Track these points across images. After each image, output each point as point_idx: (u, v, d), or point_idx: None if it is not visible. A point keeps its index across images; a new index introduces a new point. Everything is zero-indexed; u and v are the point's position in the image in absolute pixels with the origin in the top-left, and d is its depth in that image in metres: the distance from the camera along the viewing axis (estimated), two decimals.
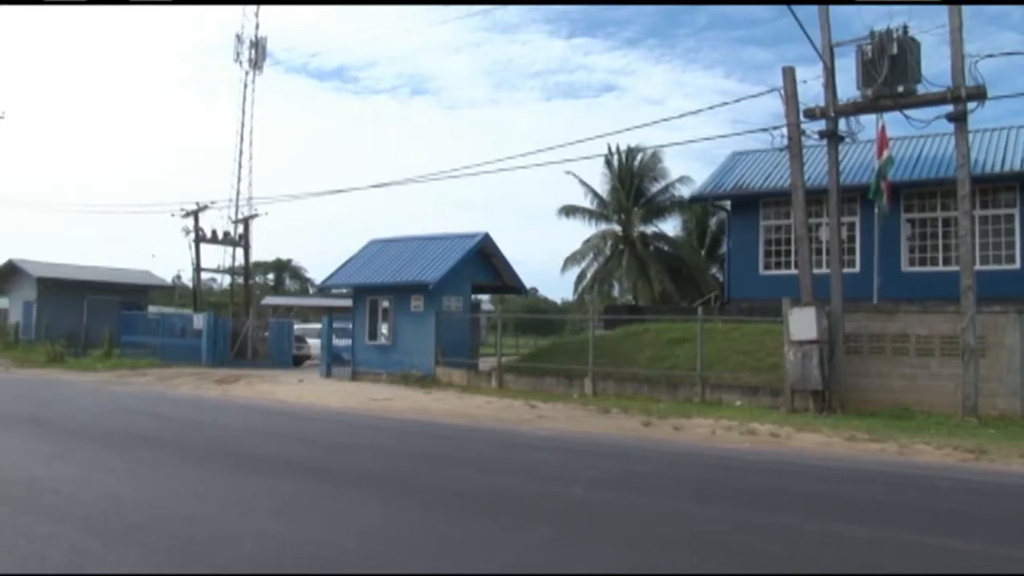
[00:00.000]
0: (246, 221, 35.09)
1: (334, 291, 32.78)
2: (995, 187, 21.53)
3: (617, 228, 41.14)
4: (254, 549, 6.23)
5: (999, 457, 11.55)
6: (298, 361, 33.37)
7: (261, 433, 14.13)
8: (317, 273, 76.16)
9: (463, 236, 26.14)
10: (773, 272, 23.92)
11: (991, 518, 7.92)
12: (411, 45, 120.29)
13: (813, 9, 17.33)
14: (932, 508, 8.38)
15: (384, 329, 25.78)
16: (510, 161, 32.36)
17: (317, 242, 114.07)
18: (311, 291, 72.25)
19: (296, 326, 36.63)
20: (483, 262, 26.55)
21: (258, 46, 35.91)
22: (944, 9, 15.89)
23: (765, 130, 18.42)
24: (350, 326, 27.22)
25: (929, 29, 16.65)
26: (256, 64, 36.02)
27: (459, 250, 25.20)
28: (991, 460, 11.40)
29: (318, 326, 31.51)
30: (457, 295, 25.30)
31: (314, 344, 32.51)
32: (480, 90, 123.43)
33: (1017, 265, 20.94)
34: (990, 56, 16.75)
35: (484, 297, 37.22)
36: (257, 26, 36.13)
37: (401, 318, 25.20)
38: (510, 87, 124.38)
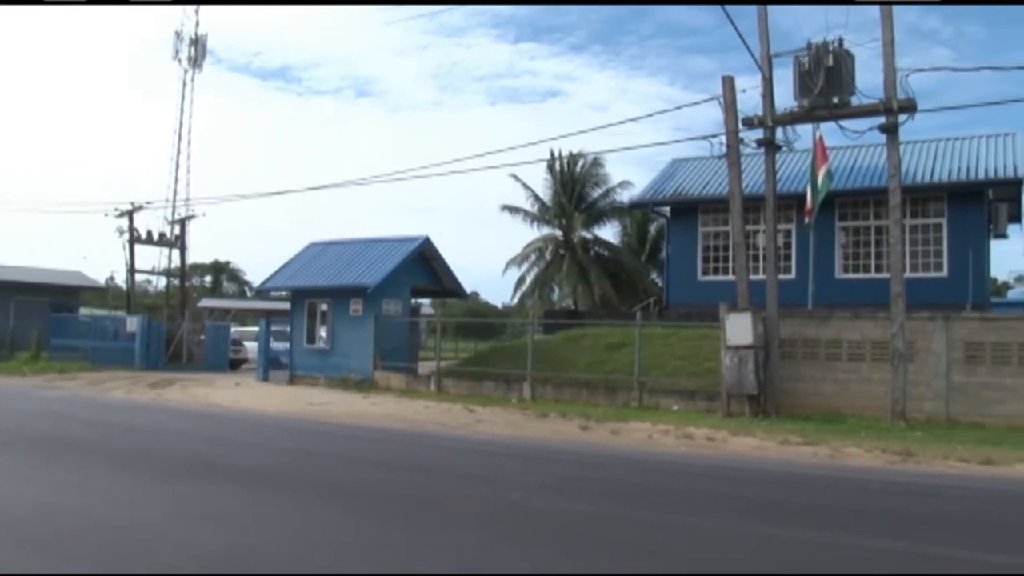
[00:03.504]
0: (183, 222, 34.50)
1: (273, 294, 32.37)
2: (925, 197, 22.09)
3: (558, 233, 41.29)
4: (180, 556, 6.08)
5: (924, 459, 11.84)
6: (235, 365, 32.87)
7: (194, 438, 13.84)
8: (256, 275, 74.87)
9: (403, 239, 26.00)
10: (711, 278, 24.23)
11: (919, 518, 8.11)
12: (355, 46, 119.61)
13: (754, 20, 17.60)
14: (863, 509, 8.53)
15: (323, 332, 25.53)
16: (453, 165, 32.25)
17: (256, 244, 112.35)
18: (249, 294, 71.23)
19: (233, 329, 36.10)
20: (423, 266, 26.42)
21: (198, 43, 35.33)
22: (879, 24, 16.26)
23: (704, 138, 18.71)
24: (288, 329, 26.91)
25: (864, 43, 17.04)
26: (196, 62, 35.47)
27: (399, 253, 25.06)
28: (917, 462, 11.67)
29: (256, 329, 31.08)
30: (397, 298, 25.15)
31: (252, 347, 32.07)
32: (425, 93, 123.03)
33: (945, 273, 21.50)
34: (920, 71, 17.31)
35: (425, 301, 37.12)
36: (197, 23, 35.47)
37: (340, 321, 24.97)
38: (455, 91, 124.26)
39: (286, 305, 29.20)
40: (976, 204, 21.99)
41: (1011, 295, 34.85)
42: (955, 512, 8.64)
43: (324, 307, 25.45)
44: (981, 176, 21.59)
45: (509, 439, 14.08)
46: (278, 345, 28.00)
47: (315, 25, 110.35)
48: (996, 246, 25.73)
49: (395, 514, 7.79)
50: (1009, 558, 6.52)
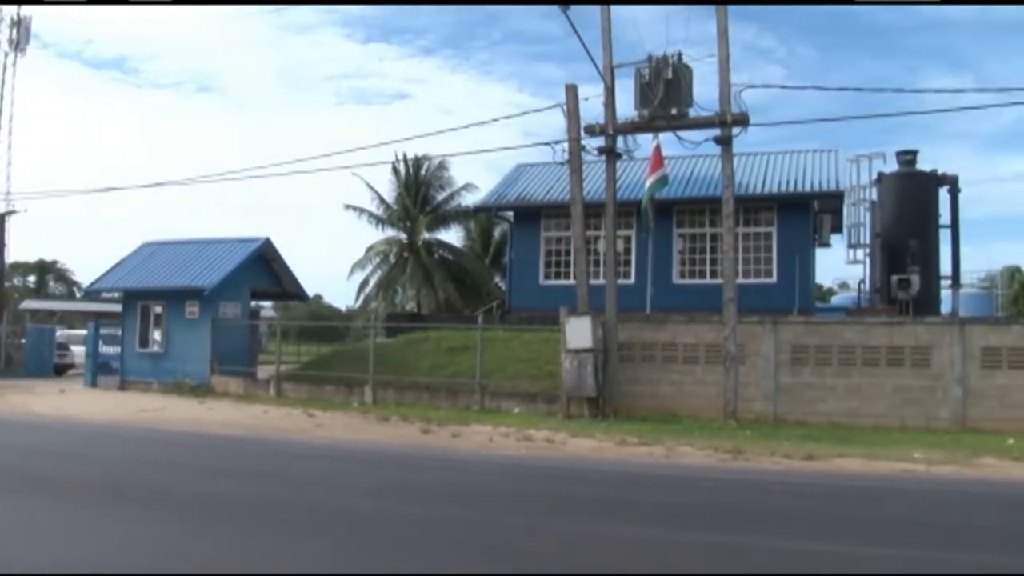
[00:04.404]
0: (2, 218, 32.30)
1: (103, 295, 30.85)
2: (756, 207, 23.12)
3: (402, 235, 41.01)
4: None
5: (753, 456, 12.35)
6: (60, 370, 31.01)
7: (9, 449, 12.95)
8: (86, 276, 70.93)
9: (243, 240, 25.26)
10: (553, 282, 24.55)
11: (746, 513, 8.43)
12: (198, 40, 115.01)
13: (598, 31, 17.92)
14: (694, 506, 8.84)
15: (156, 336, 24.47)
16: (296, 165, 31.57)
17: (88, 243, 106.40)
18: (78, 295, 67.56)
19: (59, 332, 34.10)
20: (264, 267, 25.75)
21: (20, 25, 33.00)
22: (716, 40, 16.89)
23: (547, 144, 18.87)
24: (119, 332, 25.67)
25: (702, 58, 17.64)
26: (18, 46, 33.13)
27: (238, 255, 24.34)
28: (746, 459, 12.16)
29: (84, 332, 29.48)
30: (236, 301, 24.38)
31: (79, 352, 30.35)
32: (271, 91, 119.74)
33: (774, 279, 22.55)
34: (753, 87, 18.13)
35: (266, 303, 36.17)
36: (20, 3, 33.10)
37: (175, 324, 23.99)
38: (302, 89, 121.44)
39: (118, 307, 27.85)
40: (803, 215, 23.23)
41: (834, 300, 36.91)
42: (780, 506, 9.03)
43: (158, 309, 24.41)
44: (807, 188, 22.81)
45: (349, 444, 13.85)
46: (108, 349, 26.69)
47: (154, 16, 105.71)
48: (821, 254, 27.22)
49: (229, 522, 7.55)
50: (829, 547, 6.81)
